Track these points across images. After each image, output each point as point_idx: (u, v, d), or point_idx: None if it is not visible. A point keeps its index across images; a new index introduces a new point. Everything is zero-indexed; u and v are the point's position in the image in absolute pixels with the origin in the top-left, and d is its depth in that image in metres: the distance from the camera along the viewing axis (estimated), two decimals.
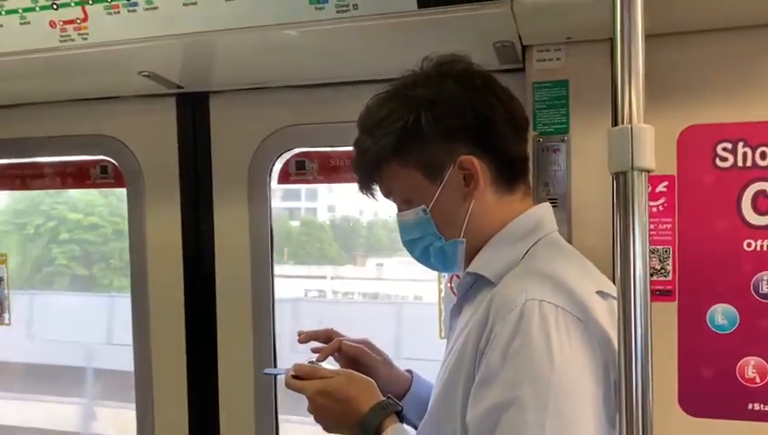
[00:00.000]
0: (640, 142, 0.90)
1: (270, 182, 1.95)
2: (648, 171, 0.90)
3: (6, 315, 2.34)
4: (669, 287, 1.45)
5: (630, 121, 0.91)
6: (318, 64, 1.70)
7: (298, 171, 1.96)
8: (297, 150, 1.96)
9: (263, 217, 1.95)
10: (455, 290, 1.79)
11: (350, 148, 1.88)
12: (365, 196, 1.26)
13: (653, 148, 0.91)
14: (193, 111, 1.98)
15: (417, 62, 1.22)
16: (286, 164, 1.96)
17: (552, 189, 1.50)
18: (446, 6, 1.28)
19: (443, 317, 1.82)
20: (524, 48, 1.53)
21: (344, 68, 1.73)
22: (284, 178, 1.97)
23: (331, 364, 1.35)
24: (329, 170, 1.95)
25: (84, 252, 5.26)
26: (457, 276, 1.73)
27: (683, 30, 1.41)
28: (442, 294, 1.80)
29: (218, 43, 1.52)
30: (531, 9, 1.28)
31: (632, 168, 0.89)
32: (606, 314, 1.04)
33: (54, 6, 1.51)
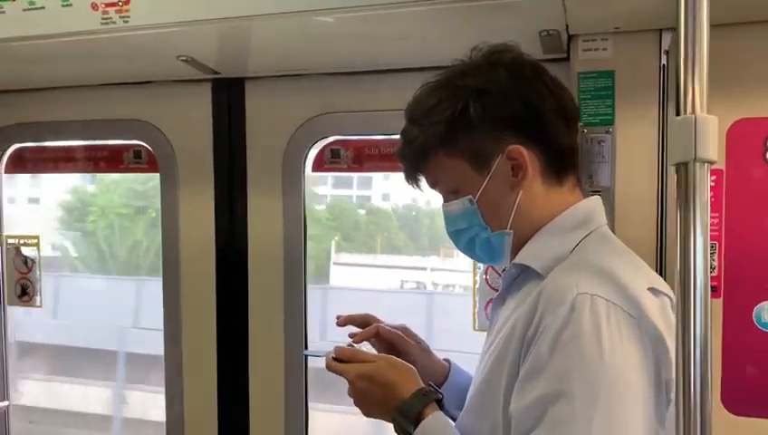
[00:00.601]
0: (704, 133, 0.87)
1: (304, 170, 1.94)
2: (711, 163, 0.88)
3: (38, 298, 2.36)
4: (715, 283, 1.42)
5: (693, 111, 0.88)
6: (357, 51, 1.68)
7: (333, 159, 1.95)
8: (332, 138, 1.95)
9: (296, 204, 1.94)
10: (489, 282, 1.77)
11: (386, 136, 1.91)
12: (411, 186, 1.25)
13: (716, 139, 0.88)
14: (228, 97, 1.97)
15: (466, 51, 1.20)
16: (321, 152, 1.95)
17: (595, 181, 1.48)
18: None
19: (476, 309, 1.80)
20: (570, 37, 1.50)
21: (384, 55, 1.72)
22: (319, 165, 1.96)
23: (368, 349, 1.34)
24: (364, 159, 1.94)
25: None
26: (494, 269, 1.72)
27: (734, 21, 1.37)
28: (477, 286, 1.79)
29: (259, 28, 1.51)
30: None
31: (695, 159, 0.87)
32: (658, 313, 1.03)
33: None
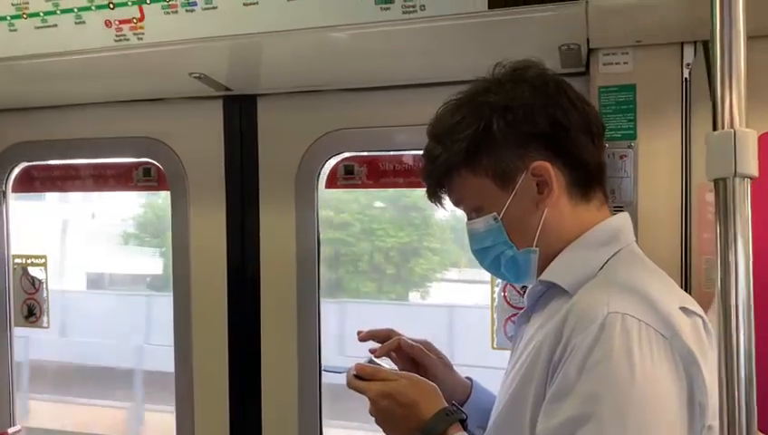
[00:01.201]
0: (744, 147, 0.86)
1: (318, 187, 1.92)
2: (752, 178, 0.85)
3: (45, 318, 2.33)
4: None
5: (732, 126, 0.86)
6: (373, 67, 1.67)
7: (346, 175, 1.93)
8: (346, 154, 1.93)
9: (310, 221, 1.92)
10: (508, 299, 1.75)
11: (399, 152, 1.89)
12: (434, 204, 1.23)
13: (756, 153, 0.86)
14: (240, 114, 1.96)
15: (485, 66, 1.18)
16: (334, 168, 1.93)
17: (618, 197, 1.46)
18: (518, 7, 1.24)
19: (495, 326, 1.77)
20: (590, 51, 1.48)
21: (400, 71, 1.70)
22: (332, 182, 1.94)
23: (388, 364, 1.32)
24: (378, 175, 1.92)
25: (333, 253, 5.11)
26: (513, 286, 1.69)
27: (757, 33, 1.36)
28: (495, 303, 1.76)
29: (275, 44, 1.49)
30: (605, 10, 1.25)
31: (735, 174, 0.84)
32: (691, 333, 1.00)
33: (111, 5, 1.49)
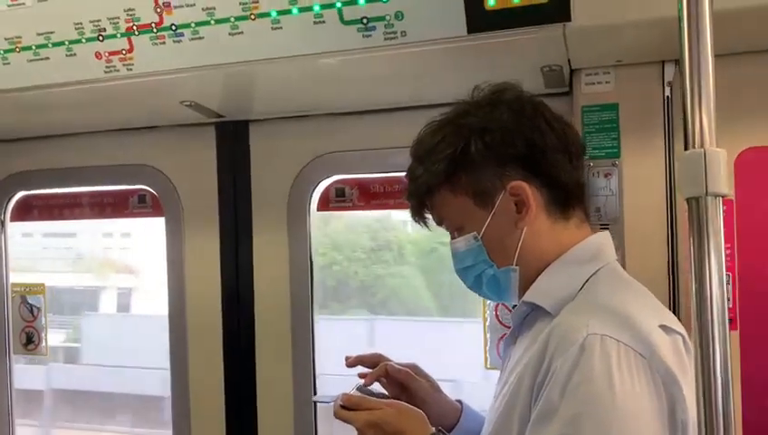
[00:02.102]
0: (714, 167, 0.87)
1: (310, 210, 1.93)
2: (723, 196, 0.87)
3: (44, 346, 2.34)
4: (731, 316, 1.40)
5: (702, 145, 0.88)
6: (360, 92, 1.69)
7: (338, 198, 1.94)
8: (336, 177, 1.95)
9: (302, 244, 1.93)
10: (500, 318, 1.75)
11: (390, 174, 1.90)
12: (418, 223, 1.24)
13: (726, 172, 0.87)
14: (233, 140, 1.98)
15: (468, 90, 1.20)
16: (326, 191, 1.95)
17: (604, 215, 1.47)
18: (497, 31, 1.26)
19: (488, 347, 1.77)
20: (572, 72, 1.50)
21: (387, 95, 1.73)
22: (324, 205, 1.95)
23: (378, 388, 1.32)
24: (369, 197, 1.94)
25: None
26: (504, 305, 1.70)
27: (740, 50, 1.38)
28: (487, 323, 1.76)
29: (262, 72, 1.52)
30: (583, 32, 1.27)
31: (706, 193, 0.86)
32: (671, 351, 1.00)
33: (100, 38, 1.52)
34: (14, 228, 2.35)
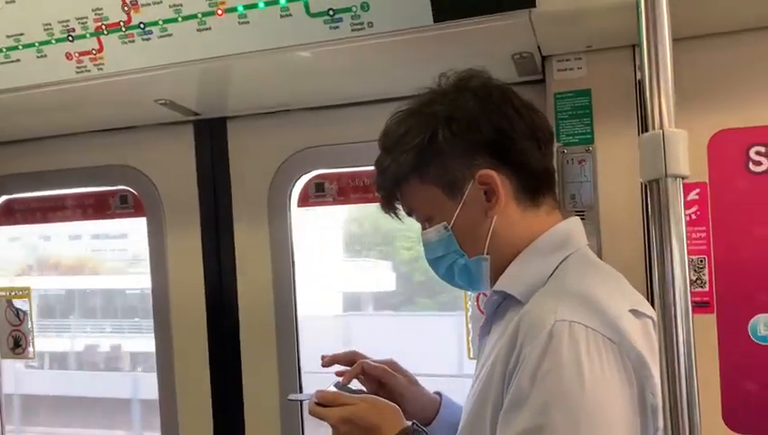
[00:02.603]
0: (673, 148, 0.86)
1: (290, 205, 1.93)
2: (683, 178, 0.86)
3: (31, 350, 2.33)
4: (707, 299, 1.39)
5: (662, 127, 0.87)
6: (334, 85, 1.68)
7: (317, 193, 1.94)
8: (316, 172, 1.94)
9: (283, 240, 1.93)
10: (481, 308, 1.75)
11: (369, 168, 1.89)
12: (389, 215, 1.24)
13: (686, 153, 0.86)
14: (211, 138, 1.98)
15: (435, 79, 1.20)
16: (306, 186, 1.95)
17: (579, 201, 1.46)
18: (462, 19, 1.26)
19: (470, 337, 1.77)
20: (544, 59, 1.50)
21: (361, 88, 1.72)
22: (304, 200, 1.95)
23: (355, 385, 1.32)
24: (348, 191, 1.93)
25: None
26: (484, 295, 1.69)
27: (709, 32, 1.37)
28: (469, 313, 1.76)
29: (233, 67, 1.51)
30: (549, 18, 1.26)
31: (666, 175, 0.85)
32: (640, 335, 1.00)
33: (70, 38, 1.51)
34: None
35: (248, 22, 1.37)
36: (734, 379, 1.39)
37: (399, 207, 1.24)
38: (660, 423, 0.97)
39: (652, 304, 1.08)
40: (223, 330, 1.99)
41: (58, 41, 1.52)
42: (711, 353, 1.39)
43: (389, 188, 1.20)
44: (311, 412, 1.22)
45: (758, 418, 1.38)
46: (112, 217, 2.20)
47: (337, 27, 1.32)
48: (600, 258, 1.29)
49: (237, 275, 1.98)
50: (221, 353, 2.00)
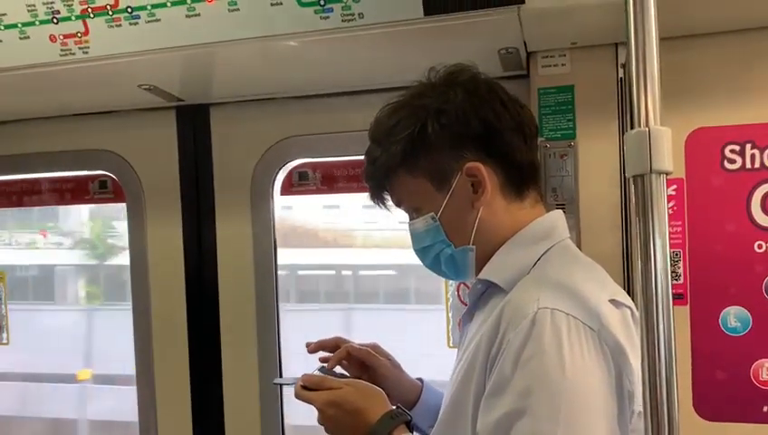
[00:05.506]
0: (658, 145, 0.89)
1: (273, 194, 1.93)
2: (667, 174, 0.89)
3: (5, 335, 2.31)
4: (681, 291, 1.44)
5: (647, 124, 0.90)
6: (321, 74, 1.69)
7: (301, 182, 1.95)
8: (299, 161, 1.95)
9: (266, 229, 1.93)
10: (462, 298, 1.78)
11: (353, 157, 1.91)
12: (377, 205, 1.26)
13: (671, 150, 0.90)
14: (193, 124, 1.97)
15: (424, 72, 1.22)
16: (289, 175, 1.95)
17: (560, 195, 1.50)
18: (453, 13, 1.28)
19: (450, 325, 1.80)
20: (529, 54, 1.52)
21: (347, 78, 1.73)
22: (287, 189, 1.95)
23: (339, 371, 1.34)
24: (332, 180, 1.94)
25: None
26: (466, 285, 1.72)
27: (689, 33, 1.41)
28: (450, 302, 1.79)
29: (220, 54, 1.51)
30: (537, 15, 1.28)
31: (651, 170, 0.88)
32: (619, 324, 1.03)
33: (55, 20, 1.49)
34: None
35: (238, 9, 1.37)
36: (704, 369, 1.45)
37: (387, 197, 1.26)
38: (637, 407, 1.01)
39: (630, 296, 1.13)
40: (203, 316, 1.99)
41: (42, 22, 1.50)
42: (684, 344, 1.44)
43: (379, 179, 1.22)
44: (297, 396, 1.24)
45: (727, 406, 1.44)
46: (91, 202, 2.18)
47: (327, 17, 1.33)
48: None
49: (218, 261, 1.97)
50: (201, 339, 2.00)
